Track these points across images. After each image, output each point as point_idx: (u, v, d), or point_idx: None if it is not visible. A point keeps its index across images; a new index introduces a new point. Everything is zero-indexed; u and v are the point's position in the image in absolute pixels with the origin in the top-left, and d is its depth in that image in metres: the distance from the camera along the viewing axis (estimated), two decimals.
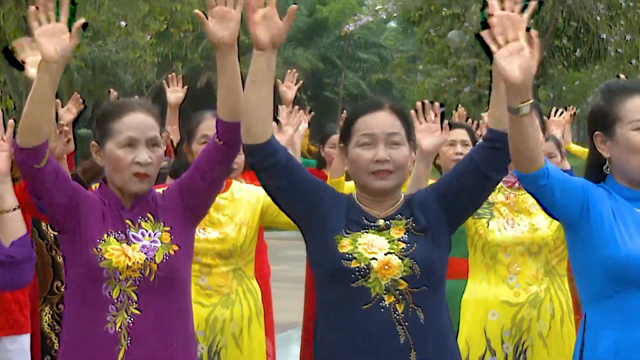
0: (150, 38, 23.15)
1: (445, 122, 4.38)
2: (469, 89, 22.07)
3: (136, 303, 3.25)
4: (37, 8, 3.23)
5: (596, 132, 3.23)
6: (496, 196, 4.45)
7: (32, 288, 5.87)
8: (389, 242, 3.12)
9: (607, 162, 3.21)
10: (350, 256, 3.08)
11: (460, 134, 5.21)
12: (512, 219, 4.37)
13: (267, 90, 3.06)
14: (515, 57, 2.83)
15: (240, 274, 4.56)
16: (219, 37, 3.17)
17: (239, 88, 3.22)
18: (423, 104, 4.36)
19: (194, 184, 3.36)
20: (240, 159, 4.54)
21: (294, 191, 3.18)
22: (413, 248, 3.10)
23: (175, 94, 7.15)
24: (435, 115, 4.34)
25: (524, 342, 4.27)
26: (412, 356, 3.04)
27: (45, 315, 6.20)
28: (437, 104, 4.47)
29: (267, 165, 3.11)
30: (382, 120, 3.18)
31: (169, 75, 7.03)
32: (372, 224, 3.17)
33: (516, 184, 4.42)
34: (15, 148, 3.19)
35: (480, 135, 6.00)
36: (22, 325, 5.25)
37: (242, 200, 4.60)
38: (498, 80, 3.06)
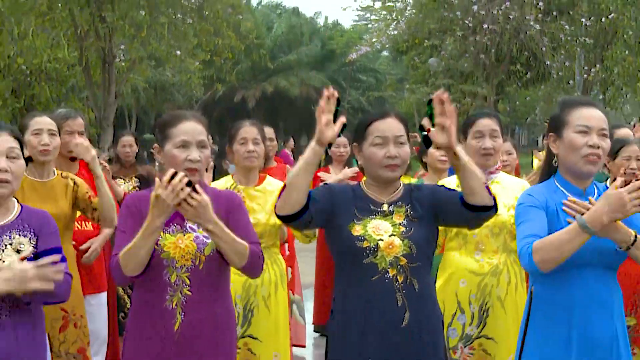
0: (198, 64, 23.06)
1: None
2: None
3: (188, 286, 3.23)
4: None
5: (550, 133, 3.28)
6: None
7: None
8: (392, 225, 3.15)
9: (556, 157, 3.24)
10: (362, 238, 3.12)
11: None
12: None
13: (311, 175, 3.07)
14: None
15: (269, 250, 4.51)
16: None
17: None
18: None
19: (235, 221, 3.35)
20: (260, 149, 4.61)
21: (318, 220, 3.17)
22: (411, 231, 3.14)
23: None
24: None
25: (486, 303, 4.23)
26: (406, 316, 3.07)
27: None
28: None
29: (303, 224, 3.13)
30: (391, 125, 3.21)
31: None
32: (378, 209, 3.19)
33: (485, 172, 4.32)
34: (120, 272, 3.15)
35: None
36: (101, 285, 5.22)
37: (272, 194, 4.54)
38: (455, 167, 3.06)
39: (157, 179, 3.10)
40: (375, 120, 3.23)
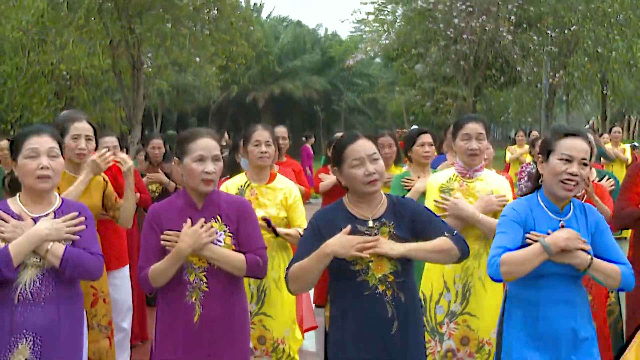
0: (215, 69, 22.98)
1: None
2: (430, 103, 21.97)
3: (205, 284, 3.25)
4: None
5: (539, 155, 3.30)
6: (453, 184, 4.35)
7: (137, 237, 5.83)
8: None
9: (542, 177, 3.26)
10: (354, 262, 3.07)
11: (427, 137, 5.12)
12: (463, 199, 4.26)
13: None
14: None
15: (278, 238, 4.47)
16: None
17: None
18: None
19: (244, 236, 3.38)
20: (271, 150, 4.58)
21: None
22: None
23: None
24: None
25: (469, 283, 4.22)
26: (395, 325, 3.06)
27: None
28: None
29: None
30: (363, 145, 3.14)
31: None
32: (365, 228, 3.12)
33: (467, 175, 4.32)
34: (149, 284, 3.24)
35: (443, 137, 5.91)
36: (123, 260, 5.19)
37: (281, 191, 4.53)
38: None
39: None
40: (348, 144, 3.16)
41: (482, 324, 4.14)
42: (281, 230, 4.38)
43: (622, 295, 4.60)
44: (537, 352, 3.10)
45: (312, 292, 7.34)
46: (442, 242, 3.07)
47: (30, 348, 3.05)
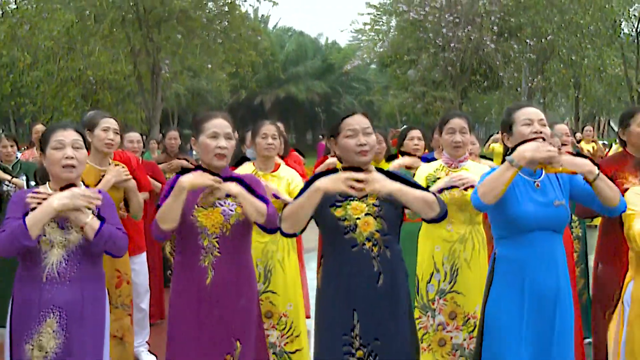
0: (226, 75, 22.99)
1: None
2: (420, 106, 21.94)
3: (218, 249, 3.23)
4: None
5: (504, 133, 3.29)
6: (440, 173, 4.34)
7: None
8: (366, 206, 3.06)
9: (510, 150, 3.20)
10: (343, 218, 3.03)
11: (416, 132, 5.16)
12: (449, 188, 4.25)
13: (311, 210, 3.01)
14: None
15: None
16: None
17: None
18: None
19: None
20: (277, 142, 4.58)
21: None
22: (382, 211, 3.05)
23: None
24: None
25: (456, 264, 4.22)
26: (381, 278, 3.02)
27: (166, 247, 6.08)
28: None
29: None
30: (359, 120, 3.09)
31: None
32: (356, 192, 3.04)
33: (453, 165, 4.31)
34: (155, 224, 3.21)
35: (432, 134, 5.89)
36: (141, 247, 5.17)
37: (284, 179, 4.54)
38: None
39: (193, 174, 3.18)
40: (346, 117, 3.13)
41: (468, 301, 4.15)
42: (286, 197, 4.36)
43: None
44: (521, 308, 3.06)
45: (314, 267, 7.36)
46: (428, 195, 3.02)
47: (57, 322, 3.04)
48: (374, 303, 3.01)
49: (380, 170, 3.18)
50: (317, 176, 3.08)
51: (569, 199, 3.23)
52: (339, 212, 3.05)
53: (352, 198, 3.07)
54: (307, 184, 3.07)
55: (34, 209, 3.02)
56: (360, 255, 3.02)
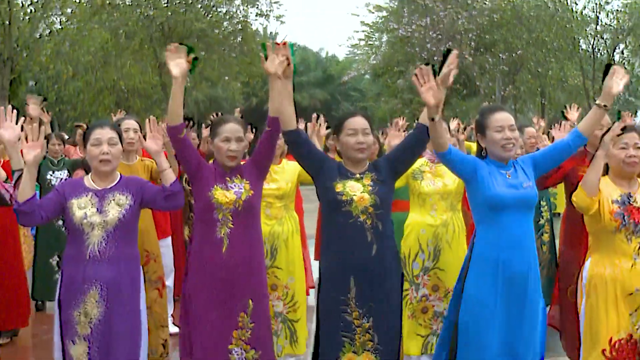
0: (239, 85, 23.01)
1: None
2: (408, 111, 21.89)
3: (231, 222, 3.22)
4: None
5: (478, 134, 3.25)
6: (425, 167, 4.33)
7: (178, 215, 5.83)
8: (362, 185, 3.08)
9: (485, 149, 3.20)
10: (342, 193, 3.05)
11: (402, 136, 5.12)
12: (433, 180, 4.28)
13: (290, 101, 3.16)
14: (430, 91, 2.91)
15: (287, 207, 4.47)
16: (270, 70, 3.16)
17: (281, 99, 3.18)
18: (392, 122, 4.51)
19: (259, 153, 3.33)
20: (281, 142, 4.49)
21: (308, 155, 3.18)
22: (376, 189, 3.07)
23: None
24: (400, 127, 4.51)
25: (438, 246, 4.22)
26: (374, 249, 3.01)
27: (185, 230, 6.10)
28: (399, 121, 4.58)
29: (293, 140, 3.16)
30: (359, 121, 3.14)
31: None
32: (352, 176, 3.10)
33: (435, 160, 4.29)
34: (167, 127, 3.22)
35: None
36: (166, 231, 5.17)
37: (287, 169, 4.52)
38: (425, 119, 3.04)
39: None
40: (348, 118, 3.18)
41: (448, 276, 4.15)
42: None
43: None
44: (495, 286, 3.03)
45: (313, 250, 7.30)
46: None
47: (99, 294, 3.06)
48: (368, 270, 3.01)
49: (372, 162, 3.20)
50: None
51: (536, 178, 3.22)
52: (338, 187, 3.06)
53: (350, 178, 3.09)
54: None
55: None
56: (356, 227, 3.02)
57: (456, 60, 2.99)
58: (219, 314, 3.19)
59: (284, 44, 3.16)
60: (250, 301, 3.22)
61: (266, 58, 3.19)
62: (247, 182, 3.27)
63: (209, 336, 3.19)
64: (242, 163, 3.39)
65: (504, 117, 3.14)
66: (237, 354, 3.20)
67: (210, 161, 3.44)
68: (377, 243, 3.02)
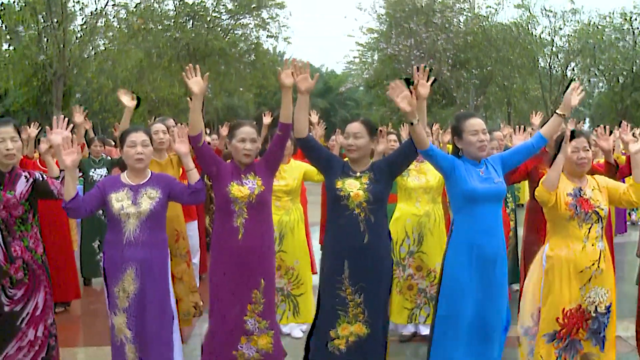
0: (252, 95, 22.98)
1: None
2: (395, 117, 21.82)
3: (246, 213, 3.18)
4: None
5: (454, 137, 3.21)
6: (411, 166, 4.25)
7: (200, 205, 5.82)
8: (359, 183, 3.05)
9: (461, 150, 3.17)
10: (340, 189, 3.03)
11: (393, 138, 5.05)
12: (417, 177, 4.25)
13: (306, 113, 3.09)
14: (404, 100, 2.88)
15: (293, 200, 4.46)
16: (285, 83, 3.10)
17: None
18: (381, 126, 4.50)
19: (270, 154, 3.29)
20: (289, 144, 4.48)
21: (318, 157, 3.16)
22: (370, 187, 3.03)
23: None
24: (384, 134, 4.45)
25: (422, 232, 4.21)
26: (366, 237, 2.99)
27: (207, 218, 6.09)
28: (383, 129, 4.55)
29: (305, 145, 3.12)
30: (353, 126, 3.13)
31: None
32: (354, 174, 3.07)
33: (419, 160, 4.23)
34: (189, 136, 3.20)
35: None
36: (193, 216, 5.12)
37: (295, 167, 4.49)
38: (418, 111, 2.96)
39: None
40: (349, 122, 3.18)
41: (430, 258, 4.16)
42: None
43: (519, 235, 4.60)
44: (470, 266, 3.03)
45: (317, 237, 7.29)
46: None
47: (134, 272, 3.06)
48: (360, 254, 3.00)
49: (373, 163, 3.18)
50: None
51: (504, 175, 3.21)
52: (339, 184, 3.05)
53: (350, 176, 3.07)
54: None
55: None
56: (351, 218, 3.00)
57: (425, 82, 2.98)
58: (235, 290, 3.18)
59: (307, 63, 3.08)
60: (262, 280, 3.21)
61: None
62: (260, 179, 3.24)
63: (227, 308, 3.18)
64: (255, 162, 3.37)
65: (478, 122, 3.12)
66: (251, 324, 3.19)
67: (228, 161, 3.41)
68: (369, 232, 3.00)
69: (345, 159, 3.24)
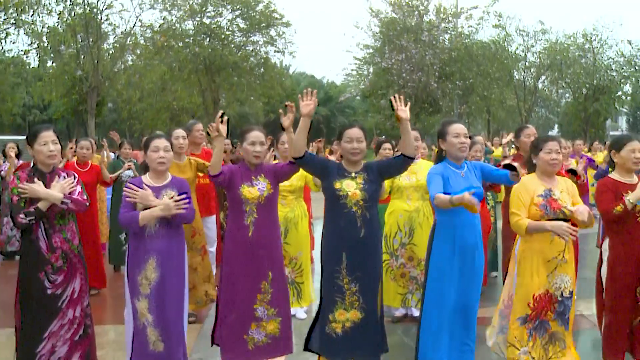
0: (261, 104, 22.95)
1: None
2: (389, 124, 21.82)
3: (256, 212, 3.15)
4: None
5: (440, 139, 3.19)
6: None
7: (217, 203, 5.81)
8: (355, 184, 3.00)
9: (444, 151, 3.16)
10: (339, 189, 2.98)
11: (388, 146, 5.02)
12: (409, 176, 4.21)
13: (305, 136, 3.02)
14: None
15: (297, 198, 4.42)
16: (285, 125, 3.11)
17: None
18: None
19: (280, 174, 3.25)
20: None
21: (314, 169, 3.11)
22: (366, 187, 2.99)
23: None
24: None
25: (412, 226, 4.19)
26: (362, 231, 2.95)
27: (221, 213, 6.09)
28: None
29: (303, 162, 3.06)
30: (355, 131, 3.07)
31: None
32: (349, 175, 3.02)
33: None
34: (209, 174, 3.17)
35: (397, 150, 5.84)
36: (212, 211, 5.10)
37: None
38: (402, 132, 2.96)
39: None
40: (347, 128, 3.10)
41: (420, 249, 4.13)
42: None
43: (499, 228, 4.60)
44: (452, 256, 3.02)
45: (320, 229, 7.18)
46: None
47: (155, 261, 3.05)
48: (357, 248, 2.97)
49: (366, 164, 3.13)
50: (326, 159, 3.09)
51: (483, 181, 3.20)
52: (337, 185, 3.00)
53: (346, 177, 3.02)
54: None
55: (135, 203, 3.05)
56: (349, 215, 2.96)
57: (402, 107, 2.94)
58: (246, 281, 3.16)
59: (314, 92, 3.05)
60: (269, 272, 3.18)
61: (285, 111, 3.13)
62: (269, 182, 3.21)
63: (239, 297, 3.16)
64: (265, 165, 3.33)
65: (460, 127, 3.11)
66: (261, 311, 3.17)
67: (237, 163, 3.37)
68: (365, 228, 2.96)
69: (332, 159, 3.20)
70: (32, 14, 15.52)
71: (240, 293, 3.15)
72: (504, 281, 4.27)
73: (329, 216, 3.07)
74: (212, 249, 5.24)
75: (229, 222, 3.24)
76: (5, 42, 15.60)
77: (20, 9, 15.04)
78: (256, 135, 3.23)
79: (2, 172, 6.82)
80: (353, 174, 3.04)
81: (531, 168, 3.18)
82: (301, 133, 2.99)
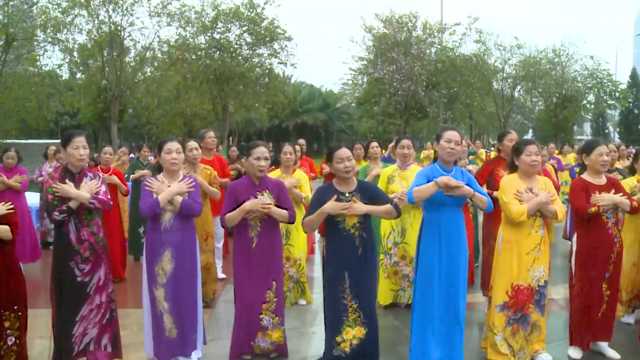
0: (266, 110, 22.90)
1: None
2: (381, 128, 21.79)
3: (259, 226, 3.11)
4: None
5: (435, 142, 3.13)
6: (395, 173, 4.22)
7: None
8: None
9: (436, 152, 3.12)
10: (337, 216, 2.88)
11: (375, 144, 4.94)
12: (400, 182, 4.17)
13: (319, 225, 2.92)
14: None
15: (298, 204, 4.33)
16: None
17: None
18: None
19: (281, 199, 3.18)
20: (293, 156, 4.39)
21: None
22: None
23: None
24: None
25: (404, 227, 4.14)
26: (360, 250, 2.88)
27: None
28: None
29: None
30: (344, 151, 2.95)
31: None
32: (344, 197, 2.90)
33: (403, 168, 4.18)
34: (221, 222, 3.11)
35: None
36: (219, 210, 5.07)
37: (298, 177, 4.43)
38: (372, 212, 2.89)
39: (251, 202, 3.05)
40: (336, 150, 2.97)
41: (412, 248, 4.07)
42: (299, 193, 4.28)
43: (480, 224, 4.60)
44: (438, 249, 2.96)
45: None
46: (389, 207, 2.89)
47: (171, 254, 3.05)
48: (357, 266, 2.90)
49: (359, 181, 3.01)
50: (319, 191, 2.98)
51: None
52: None
53: (342, 200, 2.89)
54: (315, 195, 2.96)
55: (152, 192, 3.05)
56: (348, 237, 2.89)
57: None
58: (253, 292, 3.12)
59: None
60: (273, 282, 3.14)
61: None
62: (272, 198, 3.14)
63: (246, 306, 3.13)
64: (270, 180, 3.25)
65: (453, 134, 3.03)
66: (266, 320, 3.14)
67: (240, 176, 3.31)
68: (362, 246, 2.89)
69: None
70: (66, 33, 16.13)
71: (247, 303, 3.12)
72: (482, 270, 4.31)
73: (329, 238, 2.97)
74: (219, 244, 5.25)
75: (235, 232, 3.19)
76: (43, 57, 16.66)
77: (56, 29, 15.70)
78: (261, 151, 3.18)
79: (44, 173, 6.83)
80: (347, 195, 2.91)
81: (513, 169, 3.20)
82: (317, 223, 2.90)
